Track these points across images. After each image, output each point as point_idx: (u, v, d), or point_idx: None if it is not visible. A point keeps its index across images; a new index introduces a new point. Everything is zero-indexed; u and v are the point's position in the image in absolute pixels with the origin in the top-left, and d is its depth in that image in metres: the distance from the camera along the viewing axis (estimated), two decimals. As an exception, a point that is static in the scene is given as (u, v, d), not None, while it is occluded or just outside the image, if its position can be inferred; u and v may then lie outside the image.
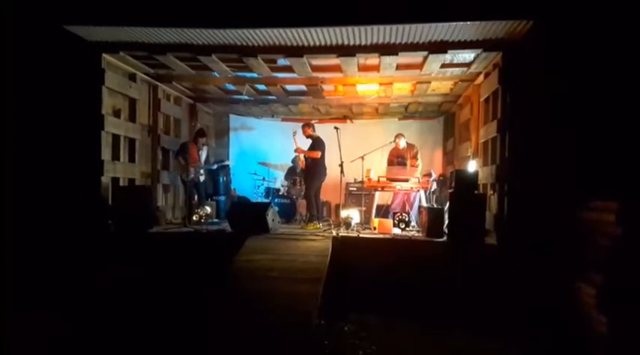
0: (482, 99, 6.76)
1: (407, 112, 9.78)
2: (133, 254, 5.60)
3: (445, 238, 5.96)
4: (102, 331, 4.29)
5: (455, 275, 5.36)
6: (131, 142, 6.87)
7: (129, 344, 4.02)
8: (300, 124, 8.06)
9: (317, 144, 7.40)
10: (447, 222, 6.06)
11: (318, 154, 7.31)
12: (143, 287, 5.08)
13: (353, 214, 6.76)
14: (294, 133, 7.57)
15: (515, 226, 5.42)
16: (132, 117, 6.90)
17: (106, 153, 6.13)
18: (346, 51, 5.81)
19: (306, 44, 5.69)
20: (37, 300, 4.88)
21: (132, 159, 6.88)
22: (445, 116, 9.71)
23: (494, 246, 5.62)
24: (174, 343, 3.79)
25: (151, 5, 5.14)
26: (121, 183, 6.51)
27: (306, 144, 7.65)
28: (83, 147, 5.84)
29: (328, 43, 5.62)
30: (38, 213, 5.58)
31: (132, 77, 6.88)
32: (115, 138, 6.44)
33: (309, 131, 7.53)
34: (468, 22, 4.97)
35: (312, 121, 9.80)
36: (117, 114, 6.54)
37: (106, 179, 6.08)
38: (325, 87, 7.92)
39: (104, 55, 6.02)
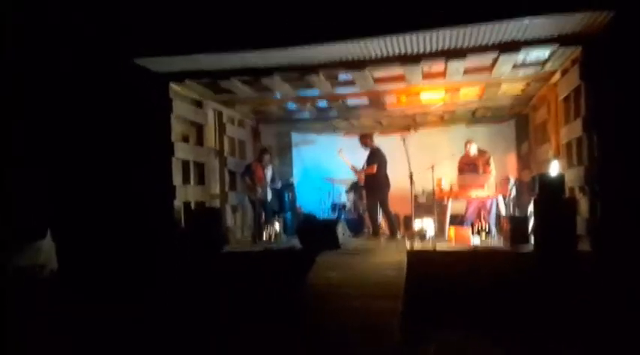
0: (561, 98, 6.29)
1: (474, 118, 9.34)
2: (207, 275, 5.64)
3: (531, 248, 5.54)
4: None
5: (545, 287, 4.94)
6: (199, 166, 7.03)
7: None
8: (339, 147, 7.94)
9: (374, 156, 7.19)
10: (531, 230, 5.64)
11: (374, 169, 7.09)
12: (220, 308, 5.08)
13: (427, 225, 6.48)
14: (340, 151, 7.46)
15: (611, 230, 4.94)
16: (199, 142, 7.07)
17: (177, 178, 6.29)
18: (410, 59, 5.62)
19: (367, 57, 5.58)
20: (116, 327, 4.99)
21: (201, 182, 7.03)
22: (516, 119, 9.19)
23: (587, 252, 5.14)
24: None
25: (212, 32, 5.25)
26: (192, 206, 6.64)
27: (358, 157, 7.49)
28: (155, 173, 6.02)
29: (391, 53, 5.47)
30: (115, 241, 5.78)
31: (198, 104, 7.07)
32: (185, 163, 6.61)
33: (367, 141, 7.32)
34: (542, 17, 4.63)
35: (375, 134, 9.72)
36: (185, 139, 6.72)
37: (178, 203, 6.22)
38: (387, 98, 7.75)
39: (171, 84, 6.22)
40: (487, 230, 6.23)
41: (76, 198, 5.91)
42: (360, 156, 7.56)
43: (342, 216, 8.13)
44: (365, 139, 7.32)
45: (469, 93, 7.62)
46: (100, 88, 5.89)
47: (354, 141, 8.35)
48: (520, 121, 9.13)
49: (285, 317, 4.32)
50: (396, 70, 6.15)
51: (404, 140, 6.72)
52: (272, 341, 3.88)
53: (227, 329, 4.47)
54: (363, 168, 7.37)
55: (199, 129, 7.07)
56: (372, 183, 7.21)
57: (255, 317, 4.54)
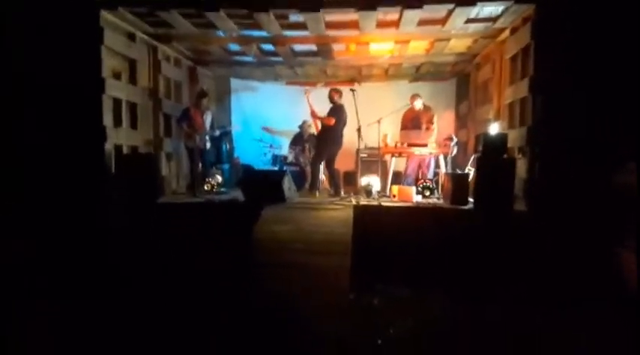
0: (507, 57, 6.35)
1: (418, 74, 9.33)
2: (142, 226, 5.27)
3: (471, 205, 5.69)
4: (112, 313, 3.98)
5: (483, 243, 5.12)
6: (132, 107, 6.42)
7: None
8: (309, 88, 7.60)
9: (337, 111, 6.94)
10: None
11: (333, 121, 6.86)
12: (160, 261, 4.78)
13: (373, 181, 6.44)
14: (307, 91, 7.11)
15: (547, 191, 5.16)
16: (132, 80, 6.43)
17: (107, 119, 5.70)
18: (367, 4, 5.36)
19: (323, -3, 5.23)
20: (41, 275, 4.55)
21: (134, 126, 6.46)
22: (458, 77, 9.29)
23: (524, 212, 5.36)
24: (196, 324, 3.52)
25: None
26: (125, 151, 6.11)
27: (320, 107, 7.18)
28: (83, 111, 5.38)
29: (348, -5, 5.17)
30: (38, 183, 5.18)
31: (131, 37, 6.36)
32: (116, 102, 6.00)
33: (336, 97, 7.00)
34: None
35: (319, 85, 9.46)
36: (117, 76, 6.07)
37: (108, 146, 5.66)
38: (336, 46, 7.46)
39: (102, 11, 5.49)
40: (431, 188, 6.30)
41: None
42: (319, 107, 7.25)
43: (284, 169, 7.91)
44: (334, 93, 7.02)
45: (417, 47, 7.51)
46: (19, 9, 5.05)
47: (297, 89, 8.07)
48: (461, 80, 9.24)
49: (230, 272, 4.14)
50: (350, 16, 5.85)
51: (354, 92, 6.53)
52: (217, 297, 3.70)
53: (166, 285, 4.22)
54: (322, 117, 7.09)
55: (132, 65, 6.40)
56: (326, 138, 7.00)
57: (199, 273, 4.32)
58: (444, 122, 9.07)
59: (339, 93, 7.05)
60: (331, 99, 7.02)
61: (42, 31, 5.14)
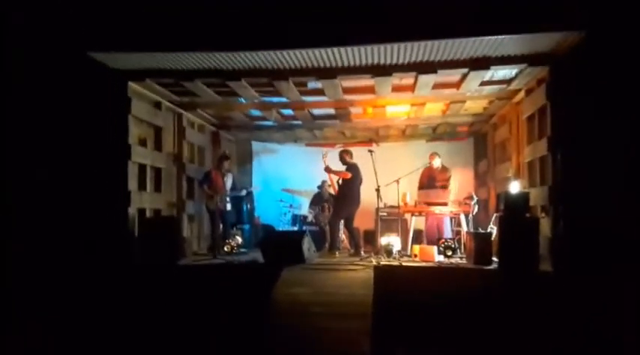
0: (524, 117, 6.41)
1: (435, 134, 9.46)
2: (162, 288, 5.26)
3: (494, 265, 5.55)
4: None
5: (508, 305, 4.93)
6: (157, 172, 6.63)
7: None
8: (328, 149, 7.73)
9: (352, 169, 7.03)
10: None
11: (349, 175, 6.92)
12: (176, 323, 4.73)
13: (393, 241, 6.38)
14: (325, 155, 7.22)
15: (573, 251, 5.01)
16: (157, 146, 6.68)
17: (132, 184, 5.88)
18: (382, 71, 5.57)
19: (339, 65, 5.46)
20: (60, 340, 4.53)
21: (158, 189, 6.63)
22: (475, 137, 9.37)
23: (549, 272, 5.19)
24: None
25: (178, 29, 4.94)
26: (147, 214, 6.24)
27: (337, 169, 7.28)
28: (109, 177, 5.58)
29: (363, 62, 5.39)
30: (63, 247, 5.29)
31: (157, 105, 6.69)
32: (141, 167, 6.20)
33: (347, 158, 7.10)
34: (515, 36, 4.69)
35: (337, 146, 9.62)
36: (143, 143, 6.32)
37: (132, 210, 5.80)
38: (353, 110, 7.68)
39: (130, 83, 5.83)
40: (453, 247, 6.20)
41: (24, 200, 5.36)
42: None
43: (303, 229, 7.91)
44: (345, 154, 7.13)
45: (433, 109, 7.69)
46: (51, 82, 5.40)
47: (316, 151, 8.24)
48: (478, 139, 9.32)
49: (248, 336, 4.06)
50: (366, 81, 6.07)
51: (372, 153, 6.63)
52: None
53: (185, 347, 4.15)
54: (339, 179, 7.15)
55: (158, 132, 6.68)
56: (344, 197, 7.03)
57: (217, 336, 4.25)
58: (463, 180, 9.06)
59: (349, 153, 7.16)
60: (342, 160, 7.12)
61: (73, 100, 5.45)
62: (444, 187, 7.22)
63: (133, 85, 5.91)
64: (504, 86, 6.29)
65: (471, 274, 5.49)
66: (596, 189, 4.94)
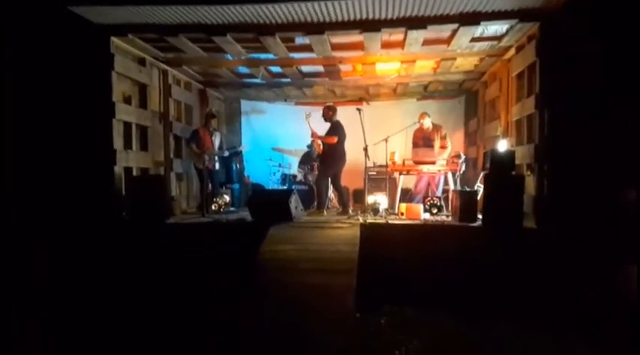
0: (513, 75, 6.36)
1: (426, 92, 9.36)
2: (151, 246, 5.32)
3: (479, 222, 5.64)
4: (113, 331, 4.00)
5: (492, 262, 5.05)
6: (143, 130, 6.54)
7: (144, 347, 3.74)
8: (314, 108, 7.65)
9: (336, 129, 6.96)
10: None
11: (335, 140, 6.87)
12: (164, 281, 4.81)
13: (380, 199, 6.43)
14: (308, 115, 7.13)
15: (556, 208, 5.09)
16: (143, 104, 6.56)
17: (117, 142, 5.81)
18: (371, 26, 5.42)
19: (327, 19, 5.31)
20: (46, 296, 4.61)
21: (144, 148, 6.56)
22: (466, 95, 9.30)
23: (533, 229, 5.28)
24: (197, 345, 3.52)
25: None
26: (134, 173, 6.21)
27: (322, 127, 7.23)
28: (94, 135, 5.52)
29: (352, 17, 5.24)
30: (48, 206, 5.29)
31: (141, 61, 6.52)
32: (127, 126, 6.11)
33: (330, 114, 7.01)
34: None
35: (326, 105, 9.53)
36: (127, 100, 6.20)
37: (118, 169, 5.76)
38: (343, 67, 7.55)
39: (113, 38, 5.66)
40: (438, 205, 6.27)
41: (9, 161, 5.30)
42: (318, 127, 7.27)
43: (293, 188, 7.94)
44: (328, 111, 7.02)
45: (424, 67, 7.58)
46: (31, 38, 5.23)
47: (306, 109, 8.16)
48: (470, 98, 9.25)
49: (236, 291, 4.14)
50: (355, 37, 5.94)
51: (360, 111, 6.57)
52: (224, 316, 3.70)
53: (175, 304, 4.24)
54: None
55: (142, 89, 6.53)
56: (329, 156, 7.00)
57: (205, 292, 4.33)
58: (453, 139, 9.05)
59: (333, 109, 7.07)
60: (325, 116, 7.03)
61: (54, 57, 5.30)
62: (444, 147, 7.23)
63: (115, 41, 5.75)
64: (495, 43, 6.18)
65: (455, 231, 5.59)
66: (582, 148, 4.97)
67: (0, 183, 5.18)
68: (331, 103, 7.47)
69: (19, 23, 5.23)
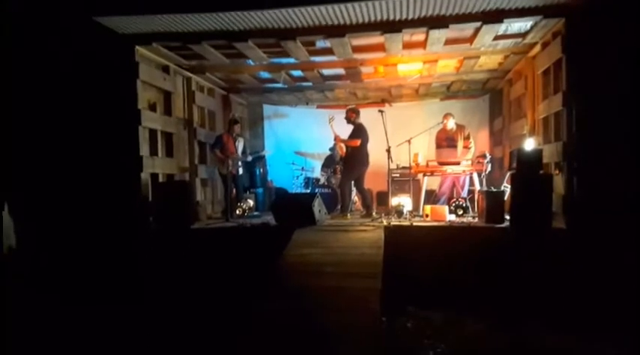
0: (539, 72, 6.22)
1: (449, 92, 9.25)
2: (176, 251, 5.39)
3: (507, 223, 5.52)
4: (141, 331, 4.07)
5: (521, 263, 4.94)
6: (168, 137, 6.66)
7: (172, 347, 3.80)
8: (336, 111, 7.63)
9: (358, 131, 6.92)
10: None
11: (358, 142, 6.83)
12: (188, 286, 4.87)
13: (404, 201, 6.37)
14: (331, 119, 7.12)
15: (586, 208, 4.95)
16: (167, 111, 6.68)
17: (144, 149, 5.92)
18: (392, 27, 5.40)
19: (348, 22, 5.31)
20: (78, 300, 4.71)
21: (169, 154, 6.67)
22: (491, 94, 9.15)
23: (562, 229, 5.15)
24: (222, 348, 3.54)
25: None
26: (160, 179, 6.31)
27: (344, 130, 7.19)
28: (121, 143, 5.64)
29: (373, 18, 5.23)
30: (77, 214, 5.43)
31: (165, 69, 6.64)
32: (152, 133, 6.24)
33: (354, 116, 6.97)
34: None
35: (348, 107, 9.50)
36: (152, 108, 6.33)
37: (145, 175, 5.87)
38: (364, 69, 7.52)
39: (137, 47, 5.79)
40: (464, 207, 6.17)
41: (36, 169, 5.47)
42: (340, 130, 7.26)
43: (316, 191, 7.94)
44: (352, 113, 6.99)
45: (447, 66, 7.49)
46: (58, 49, 5.40)
47: (328, 112, 8.16)
48: (494, 96, 9.10)
49: (261, 296, 4.15)
50: (376, 39, 5.91)
51: (382, 113, 6.53)
52: (248, 320, 3.71)
53: (200, 307, 4.28)
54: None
55: (167, 96, 6.66)
56: (352, 159, 6.96)
57: (230, 296, 4.36)
58: (478, 139, 8.92)
59: (356, 112, 7.02)
60: (349, 119, 6.99)
61: (81, 67, 5.46)
62: (467, 148, 7.14)
63: (140, 49, 5.87)
64: (519, 40, 6.06)
65: (482, 232, 5.49)
66: (611, 146, 4.84)
67: (31, 190, 5.34)
68: (354, 106, 7.44)
69: (47, 36, 5.40)
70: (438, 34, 5.60)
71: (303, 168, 8.82)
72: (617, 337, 3.95)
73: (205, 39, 5.69)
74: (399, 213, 6.33)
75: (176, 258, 5.27)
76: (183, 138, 7.20)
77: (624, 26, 4.66)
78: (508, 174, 6.53)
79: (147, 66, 6.08)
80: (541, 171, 5.39)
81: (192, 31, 5.49)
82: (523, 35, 5.90)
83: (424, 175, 6.99)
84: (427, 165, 6.80)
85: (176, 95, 6.94)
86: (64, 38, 5.37)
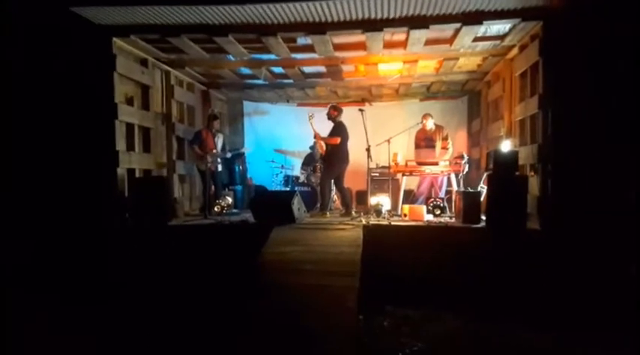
0: (516, 75, 6.32)
1: (429, 92, 9.34)
2: (153, 248, 5.31)
3: (483, 224, 5.60)
4: (117, 331, 3.99)
5: (496, 263, 5.01)
6: (145, 131, 6.54)
7: (146, 345, 3.72)
8: (317, 108, 7.60)
9: (338, 129, 6.92)
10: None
11: (338, 140, 6.82)
12: (165, 284, 4.79)
13: (383, 201, 6.40)
14: (311, 116, 7.11)
15: (560, 209, 5.05)
16: (145, 105, 6.55)
17: (120, 144, 5.80)
18: (373, 25, 5.41)
19: (329, 19, 5.31)
20: (52, 297, 4.59)
21: (147, 149, 6.56)
22: (469, 95, 9.27)
23: (537, 230, 5.25)
24: (197, 345, 3.50)
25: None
26: (137, 174, 6.20)
27: (324, 128, 7.18)
28: (96, 137, 5.51)
29: (354, 17, 5.23)
30: (50, 209, 5.29)
31: (143, 62, 6.52)
32: (129, 127, 6.11)
33: (335, 114, 6.96)
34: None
35: (329, 106, 9.50)
36: (130, 102, 6.20)
37: (121, 170, 5.76)
38: (345, 67, 7.53)
39: (114, 39, 5.66)
40: (441, 207, 6.24)
41: (6, 163, 5.30)
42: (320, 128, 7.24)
43: (295, 189, 7.92)
44: (334, 111, 6.98)
45: (426, 67, 7.55)
46: (31, 39, 5.24)
47: (308, 110, 8.14)
48: (473, 98, 9.22)
49: (238, 293, 4.12)
50: (357, 37, 5.93)
51: (362, 112, 6.55)
52: (226, 318, 3.68)
53: (176, 305, 4.22)
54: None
55: (145, 90, 6.53)
56: (332, 157, 6.95)
57: (207, 294, 4.31)
58: (456, 140, 9.03)
59: (338, 110, 7.02)
60: (330, 116, 6.99)
61: (56, 58, 5.31)
62: (445, 148, 7.21)
63: (117, 41, 5.74)
64: (498, 42, 6.15)
65: (459, 232, 5.55)
66: (585, 148, 4.93)
67: (2, 184, 5.18)
68: (336, 103, 7.43)
69: (21, 24, 5.24)
70: (419, 34, 5.64)
71: (282, 165, 8.78)
72: (589, 336, 4.04)
73: (185, 32, 5.60)
74: (377, 212, 6.36)
75: (152, 254, 5.18)
76: (161, 133, 7.08)
77: (601, 30, 4.76)
78: (485, 175, 6.62)
79: (124, 58, 5.95)
80: (517, 173, 5.48)
81: (172, 24, 5.41)
82: (502, 37, 5.98)
83: (403, 175, 7.03)
84: (406, 165, 6.84)
85: (154, 89, 6.82)
86: (38, 28, 5.21)
